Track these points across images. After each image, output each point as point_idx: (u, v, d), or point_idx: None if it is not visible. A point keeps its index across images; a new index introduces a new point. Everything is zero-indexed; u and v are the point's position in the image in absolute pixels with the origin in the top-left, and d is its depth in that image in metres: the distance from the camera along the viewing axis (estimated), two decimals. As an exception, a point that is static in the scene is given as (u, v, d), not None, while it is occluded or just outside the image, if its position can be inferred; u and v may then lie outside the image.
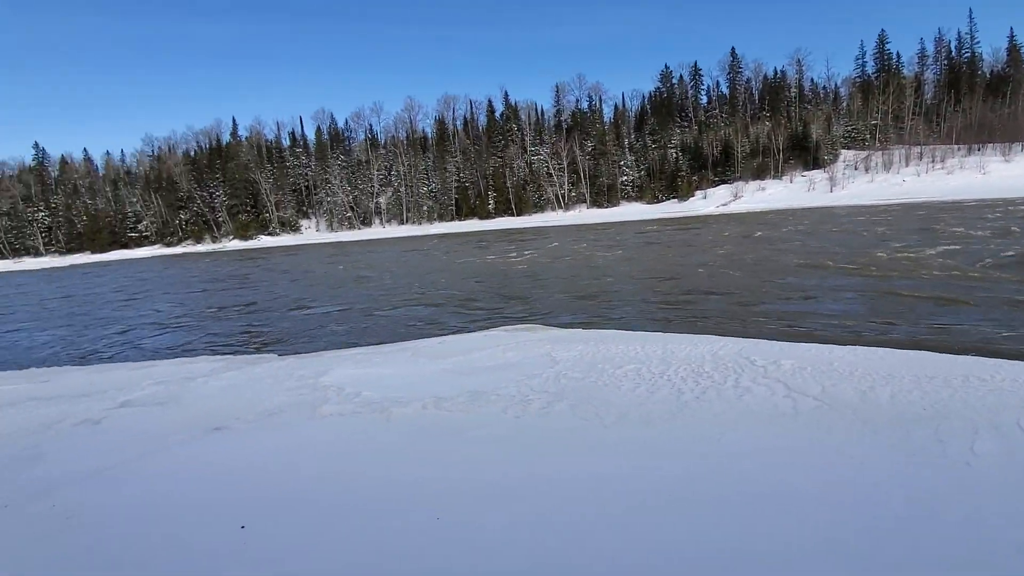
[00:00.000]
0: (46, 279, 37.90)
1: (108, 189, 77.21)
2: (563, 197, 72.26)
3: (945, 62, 68.35)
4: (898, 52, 71.13)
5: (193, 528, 2.87)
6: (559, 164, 72.51)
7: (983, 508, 2.39)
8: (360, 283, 18.60)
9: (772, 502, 2.65)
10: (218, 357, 8.49)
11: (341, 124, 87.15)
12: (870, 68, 71.78)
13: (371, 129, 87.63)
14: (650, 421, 3.93)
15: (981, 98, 59.45)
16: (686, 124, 74.65)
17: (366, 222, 75.74)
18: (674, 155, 68.80)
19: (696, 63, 76.39)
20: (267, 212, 73.58)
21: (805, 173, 59.21)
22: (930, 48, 70.01)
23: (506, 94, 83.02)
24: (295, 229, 74.72)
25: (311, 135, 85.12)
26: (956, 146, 54.77)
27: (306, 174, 78.43)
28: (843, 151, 61.43)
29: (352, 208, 75.46)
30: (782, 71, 74.12)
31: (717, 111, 73.61)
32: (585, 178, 71.50)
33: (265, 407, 5.07)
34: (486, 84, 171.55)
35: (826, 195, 50.92)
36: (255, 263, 35.09)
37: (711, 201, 58.32)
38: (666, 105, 75.78)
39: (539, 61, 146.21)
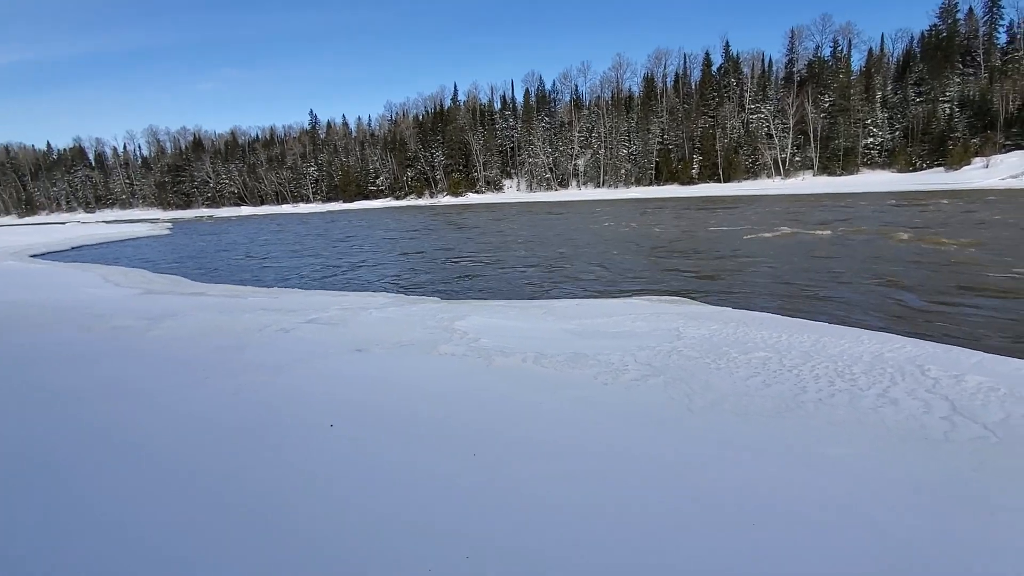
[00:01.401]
0: (312, 221, 47.84)
1: (357, 149, 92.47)
2: (784, 162, 63.53)
3: None
4: None
5: (294, 417, 3.57)
6: (783, 123, 63.55)
7: None
8: (528, 245, 19.38)
9: (835, 534, 2.20)
10: (392, 295, 9.92)
11: (548, 86, 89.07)
12: None
13: (576, 90, 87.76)
14: (746, 414, 3.48)
15: None
16: (971, 71, 58.14)
17: (563, 183, 77.51)
18: (947, 111, 54.52)
19: (998, -11, 58.16)
20: (476, 172, 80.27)
21: None
22: None
23: (727, 44, 74.57)
24: (498, 188, 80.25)
25: (520, 98, 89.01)
26: None
27: (512, 136, 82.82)
28: None
29: (551, 169, 77.75)
30: None
31: (1022, 53, 55.52)
32: (815, 140, 61.50)
33: (401, 339, 5.82)
34: (705, 35, 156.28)
35: None
36: (449, 218, 38.96)
37: (995, 171, 45.07)
38: (944, 48, 59.70)
39: (773, 3, 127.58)
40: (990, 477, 2.57)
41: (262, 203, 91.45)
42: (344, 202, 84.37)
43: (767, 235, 16.97)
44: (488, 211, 46.04)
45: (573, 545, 2.15)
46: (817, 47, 69.97)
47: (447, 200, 76.38)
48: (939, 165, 51.07)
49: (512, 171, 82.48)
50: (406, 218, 42.87)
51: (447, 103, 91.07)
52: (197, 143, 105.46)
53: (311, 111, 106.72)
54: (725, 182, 64.55)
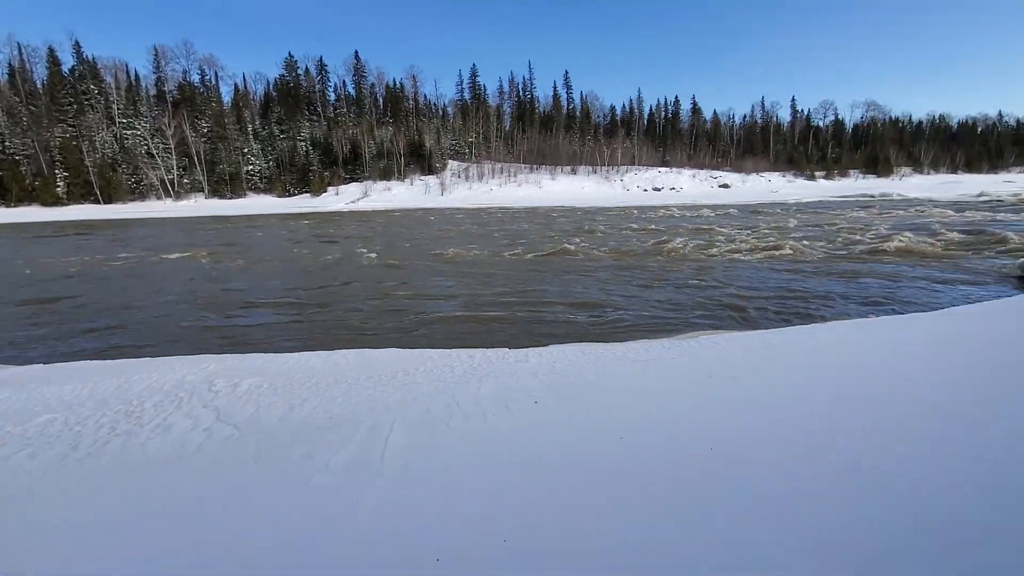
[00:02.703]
0: None
1: None
2: (172, 184, 60.62)
3: (516, 98, 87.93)
4: (485, 85, 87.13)
5: None
6: (165, 144, 60.33)
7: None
8: None
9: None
10: None
11: None
12: (467, 95, 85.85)
13: None
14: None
15: (538, 130, 79.12)
16: (315, 118, 73.09)
17: None
18: (304, 148, 66.42)
19: (321, 58, 76.14)
20: None
21: (423, 177, 66.44)
22: (506, 86, 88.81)
23: (77, 44, 63.58)
24: None
25: None
26: (524, 165, 71.43)
27: None
28: (450, 161, 71.71)
29: None
30: (401, 83, 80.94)
31: (345, 110, 74.73)
32: (201, 163, 61.72)
33: None
34: (44, 26, 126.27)
35: (439, 198, 58.31)
36: None
37: (343, 198, 58.92)
38: (294, 95, 72.32)
39: (127, 11, 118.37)
40: (227, 477, 3.02)
41: None
42: None
43: (171, 257, 15.54)
44: None
45: None
46: (185, 72, 70.12)
47: None
48: (307, 192, 62.04)
49: None
50: None
51: None
52: None
53: None
54: (106, 203, 55.64)
